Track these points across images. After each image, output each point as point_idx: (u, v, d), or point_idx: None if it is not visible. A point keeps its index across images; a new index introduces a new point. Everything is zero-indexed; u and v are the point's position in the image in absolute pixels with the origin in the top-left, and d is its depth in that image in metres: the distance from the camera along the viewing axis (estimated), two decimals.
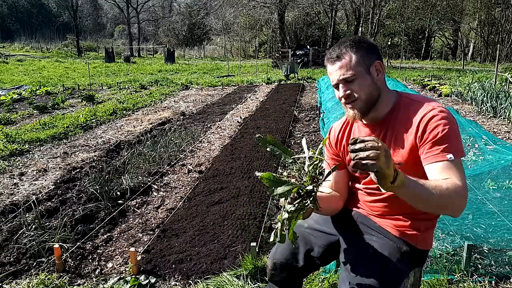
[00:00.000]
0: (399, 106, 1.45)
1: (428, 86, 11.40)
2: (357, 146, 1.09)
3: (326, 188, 1.64)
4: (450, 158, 1.28)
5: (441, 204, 1.23)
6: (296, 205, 1.26)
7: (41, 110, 8.42)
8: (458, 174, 1.27)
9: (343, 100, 1.46)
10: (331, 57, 1.45)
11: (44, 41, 41.34)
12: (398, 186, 1.13)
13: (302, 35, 32.76)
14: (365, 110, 1.44)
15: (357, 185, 1.60)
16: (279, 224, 1.31)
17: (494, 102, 7.69)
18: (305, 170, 1.27)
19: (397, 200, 1.46)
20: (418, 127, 1.35)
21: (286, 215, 1.27)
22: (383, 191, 1.46)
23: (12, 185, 4.14)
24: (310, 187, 1.24)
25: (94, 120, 7.39)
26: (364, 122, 1.52)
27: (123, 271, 2.58)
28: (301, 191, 1.25)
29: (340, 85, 1.44)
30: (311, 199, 1.25)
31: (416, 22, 27.05)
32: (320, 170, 1.28)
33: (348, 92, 1.42)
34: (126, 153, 5.11)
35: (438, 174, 1.28)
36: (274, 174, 1.24)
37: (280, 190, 1.22)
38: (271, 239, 1.34)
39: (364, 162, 1.07)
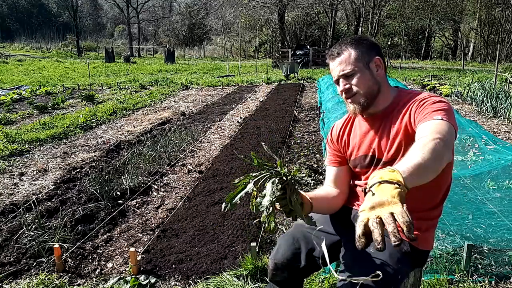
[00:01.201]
0: (398, 100, 1.49)
1: (428, 86, 11.40)
2: None
3: (326, 186, 1.65)
4: (437, 118, 1.27)
5: (437, 164, 1.17)
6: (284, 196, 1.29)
7: (41, 110, 8.42)
8: (443, 128, 1.23)
9: (343, 95, 1.51)
10: (332, 54, 1.51)
11: (44, 41, 41.33)
12: (407, 186, 1.05)
13: (302, 35, 32.76)
14: (365, 104, 1.48)
15: (357, 182, 1.61)
16: (266, 217, 1.31)
17: (494, 102, 7.69)
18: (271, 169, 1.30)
19: None
20: (411, 109, 1.40)
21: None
22: None
23: (12, 185, 4.14)
24: (285, 170, 1.28)
25: (94, 120, 7.39)
26: (364, 116, 1.56)
27: (123, 271, 2.58)
28: (280, 178, 1.28)
29: (340, 80, 1.49)
30: (292, 180, 1.29)
31: (416, 22, 27.07)
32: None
33: (347, 86, 1.47)
34: (126, 153, 5.11)
35: (424, 129, 1.26)
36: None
37: (266, 197, 1.25)
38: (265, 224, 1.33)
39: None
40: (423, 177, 1.13)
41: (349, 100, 1.49)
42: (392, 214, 0.93)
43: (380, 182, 1.01)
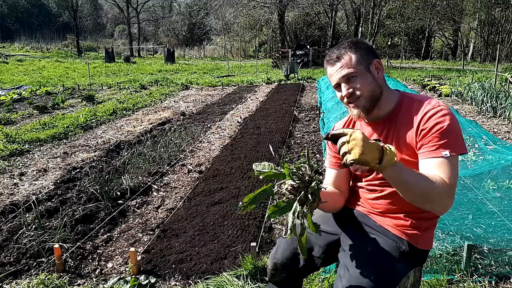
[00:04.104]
0: (401, 104, 1.47)
1: (428, 86, 11.40)
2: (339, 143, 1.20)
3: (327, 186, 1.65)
4: (446, 155, 1.31)
5: (426, 197, 1.27)
6: (307, 204, 1.27)
7: (41, 110, 8.42)
8: (449, 172, 1.29)
9: (345, 100, 1.48)
10: (330, 59, 1.48)
11: (44, 41, 41.29)
12: (385, 167, 1.20)
13: (302, 35, 32.76)
14: (369, 107, 1.46)
15: (358, 184, 1.61)
16: (291, 225, 1.30)
17: (494, 102, 7.69)
18: (298, 170, 1.29)
19: (398, 198, 1.46)
20: (418, 125, 1.38)
21: (297, 216, 1.27)
22: (384, 188, 1.48)
23: (12, 185, 4.14)
24: (311, 174, 1.28)
25: (94, 120, 7.39)
26: (367, 121, 1.54)
27: (123, 271, 2.58)
28: (305, 186, 1.28)
29: (342, 84, 1.46)
30: (314, 187, 1.28)
31: (416, 22, 27.08)
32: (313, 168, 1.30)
33: (350, 90, 1.44)
34: (126, 153, 5.11)
35: (430, 170, 1.31)
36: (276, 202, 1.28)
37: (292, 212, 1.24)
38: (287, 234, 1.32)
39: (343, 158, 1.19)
40: (401, 188, 1.30)
41: (352, 105, 1.46)
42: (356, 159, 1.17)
43: (383, 149, 1.20)
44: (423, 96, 1.48)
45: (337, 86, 1.48)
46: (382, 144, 1.22)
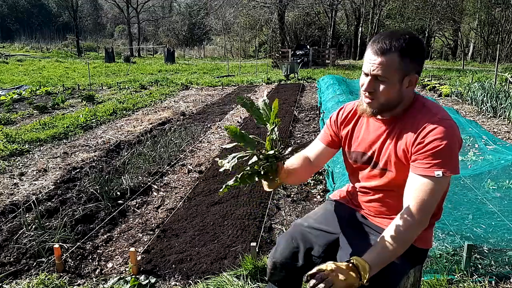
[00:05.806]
0: (411, 108, 1.44)
1: (428, 86, 11.40)
2: (311, 283, 1.23)
3: (305, 157, 1.73)
4: (438, 175, 1.29)
5: (406, 246, 1.34)
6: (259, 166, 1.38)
7: (41, 110, 8.42)
8: (428, 195, 1.30)
9: (363, 88, 1.42)
10: (376, 47, 1.35)
11: (44, 41, 41.29)
12: (366, 278, 1.26)
13: (302, 35, 32.79)
14: (378, 111, 1.43)
15: (356, 184, 1.61)
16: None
17: (494, 102, 7.69)
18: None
19: (392, 201, 1.48)
20: (417, 136, 1.35)
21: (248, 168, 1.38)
22: (377, 191, 1.55)
23: (12, 185, 4.14)
24: (270, 152, 1.37)
25: (94, 120, 7.39)
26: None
27: (123, 271, 2.58)
28: (261, 156, 1.38)
29: (369, 78, 1.39)
30: (269, 163, 1.37)
31: (416, 22, 27.09)
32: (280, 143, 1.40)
33: (371, 89, 1.39)
34: (126, 153, 5.11)
35: (414, 188, 1.33)
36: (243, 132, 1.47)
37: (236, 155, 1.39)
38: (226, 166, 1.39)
39: None
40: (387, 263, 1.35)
41: (366, 100, 1.42)
42: None
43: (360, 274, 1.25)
44: (434, 104, 1.42)
45: (366, 74, 1.40)
46: (355, 266, 1.27)
